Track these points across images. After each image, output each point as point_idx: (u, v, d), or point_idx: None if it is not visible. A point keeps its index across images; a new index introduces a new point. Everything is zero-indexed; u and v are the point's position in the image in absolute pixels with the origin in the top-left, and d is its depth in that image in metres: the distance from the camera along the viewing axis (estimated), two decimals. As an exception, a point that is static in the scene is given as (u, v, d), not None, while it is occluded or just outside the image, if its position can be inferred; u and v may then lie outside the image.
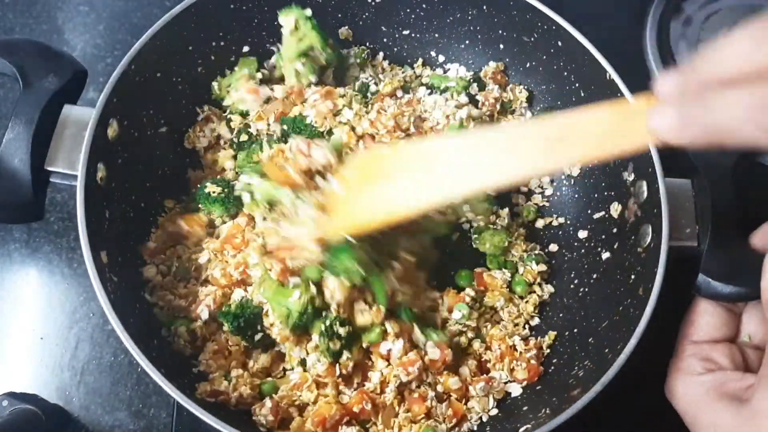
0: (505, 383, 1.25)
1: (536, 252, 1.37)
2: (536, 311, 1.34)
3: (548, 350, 1.29)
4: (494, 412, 1.23)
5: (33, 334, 1.39)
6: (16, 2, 1.71)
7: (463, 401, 1.23)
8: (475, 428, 1.21)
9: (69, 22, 1.70)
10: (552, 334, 1.30)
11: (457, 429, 1.21)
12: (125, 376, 1.37)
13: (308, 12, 1.35)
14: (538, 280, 1.36)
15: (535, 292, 1.35)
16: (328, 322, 1.15)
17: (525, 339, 1.29)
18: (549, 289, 1.36)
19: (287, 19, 1.36)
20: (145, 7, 1.73)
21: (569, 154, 0.90)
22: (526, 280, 1.34)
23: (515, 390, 1.25)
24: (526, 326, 1.32)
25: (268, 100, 1.39)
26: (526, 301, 1.34)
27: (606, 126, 0.87)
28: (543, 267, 1.35)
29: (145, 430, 1.34)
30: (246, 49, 1.43)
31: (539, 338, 1.30)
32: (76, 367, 1.37)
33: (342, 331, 1.15)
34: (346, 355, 1.17)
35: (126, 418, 1.34)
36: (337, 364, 1.18)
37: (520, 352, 1.26)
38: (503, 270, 1.34)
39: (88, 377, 1.36)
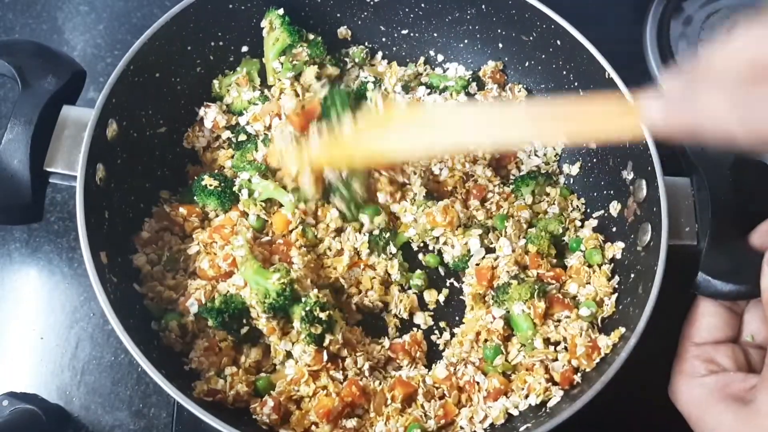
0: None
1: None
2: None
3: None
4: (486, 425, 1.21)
5: (33, 334, 1.39)
6: (16, 2, 1.71)
7: (458, 404, 1.22)
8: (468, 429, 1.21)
9: (69, 22, 1.70)
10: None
11: (445, 430, 1.21)
12: (125, 375, 1.37)
13: (280, 11, 1.37)
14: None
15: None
16: (308, 308, 1.15)
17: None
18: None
19: (264, 20, 1.39)
20: (145, 7, 1.73)
21: (556, 129, 1.00)
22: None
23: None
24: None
25: (265, 101, 1.39)
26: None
27: (598, 114, 0.95)
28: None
29: (145, 429, 1.34)
30: (245, 49, 1.43)
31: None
32: (77, 367, 1.37)
33: (322, 315, 1.15)
34: (329, 338, 1.17)
35: (126, 417, 1.34)
36: (324, 350, 1.18)
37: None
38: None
39: (89, 377, 1.36)
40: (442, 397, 1.22)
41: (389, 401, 1.19)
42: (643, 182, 1.22)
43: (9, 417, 1.26)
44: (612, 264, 1.31)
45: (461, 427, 1.19)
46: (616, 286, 1.27)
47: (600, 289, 1.27)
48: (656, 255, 1.13)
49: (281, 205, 1.30)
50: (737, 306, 1.16)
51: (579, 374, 1.19)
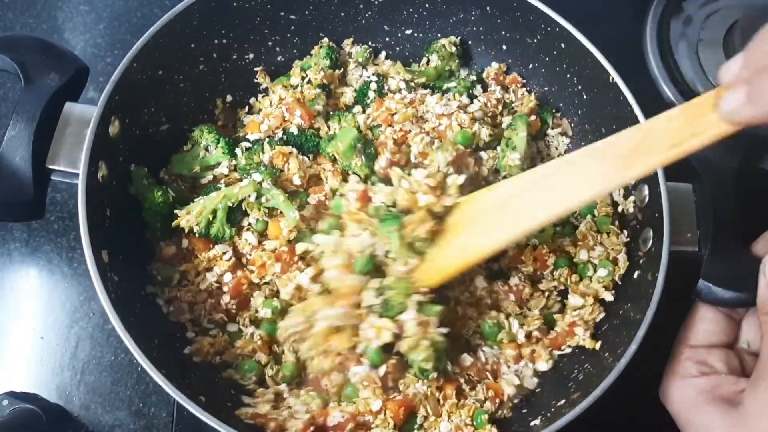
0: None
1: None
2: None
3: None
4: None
5: (33, 333, 1.39)
6: (16, 2, 1.71)
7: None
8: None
9: (69, 21, 1.70)
10: None
11: (501, 411, 1.22)
12: (125, 375, 1.37)
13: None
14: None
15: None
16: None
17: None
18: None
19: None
20: (145, 6, 1.73)
21: (645, 162, 0.93)
22: None
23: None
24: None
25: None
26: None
27: (675, 129, 0.90)
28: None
29: (145, 429, 1.34)
30: (247, 46, 1.42)
31: None
32: (77, 367, 1.37)
33: None
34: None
35: (126, 417, 1.34)
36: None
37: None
38: None
39: (89, 376, 1.36)
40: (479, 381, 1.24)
41: (441, 401, 1.20)
42: (645, 187, 1.23)
43: (9, 417, 1.26)
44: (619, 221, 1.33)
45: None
46: (627, 240, 1.28)
47: (612, 249, 1.29)
48: (658, 261, 1.13)
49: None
50: (736, 314, 1.16)
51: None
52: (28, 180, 1.11)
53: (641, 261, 1.22)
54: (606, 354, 1.18)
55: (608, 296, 1.26)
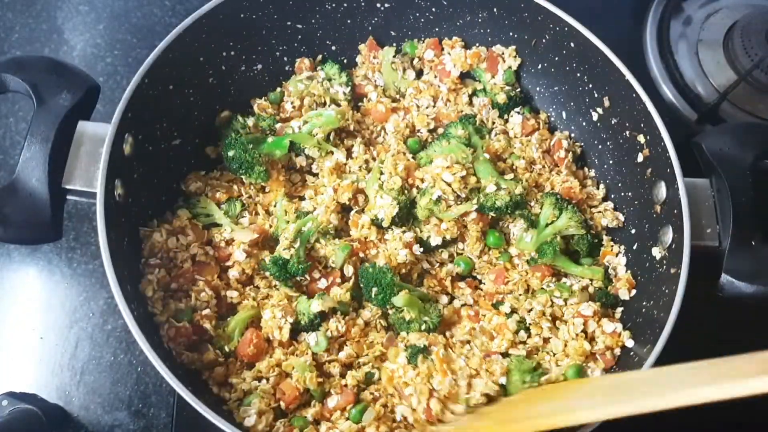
0: None
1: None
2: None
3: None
4: None
5: (33, 334, 1.39)
6: (16, 2, 1.69)
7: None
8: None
9: (69, 21, 1.69)
10: None
11: None
12: (125, 375, 1.37)
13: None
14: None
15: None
16: None
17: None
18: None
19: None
20: (144, 6, 1.72)
21: None
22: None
23: None
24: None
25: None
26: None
27: None
28: None
29: (144, 429, 1.35)
30: (255, 57, 1.41)
31: None
32: (76, 367, 1.37)
33: None
34: None
35: (126, 417, 1.35)
36: None
37: None
38: None
39: (88, 377, 1.36)
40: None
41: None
42: (663, 184, 1.22)
43: (9, 417, 1.26)
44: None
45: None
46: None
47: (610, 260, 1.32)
48: (679, 257, 1.13)
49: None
50: None
51: None
52: (45, 201, 1.10)
53: (662, 258, 1.22)
54: (632, 353, 1.18)
55: (586, 311, 1.24)
